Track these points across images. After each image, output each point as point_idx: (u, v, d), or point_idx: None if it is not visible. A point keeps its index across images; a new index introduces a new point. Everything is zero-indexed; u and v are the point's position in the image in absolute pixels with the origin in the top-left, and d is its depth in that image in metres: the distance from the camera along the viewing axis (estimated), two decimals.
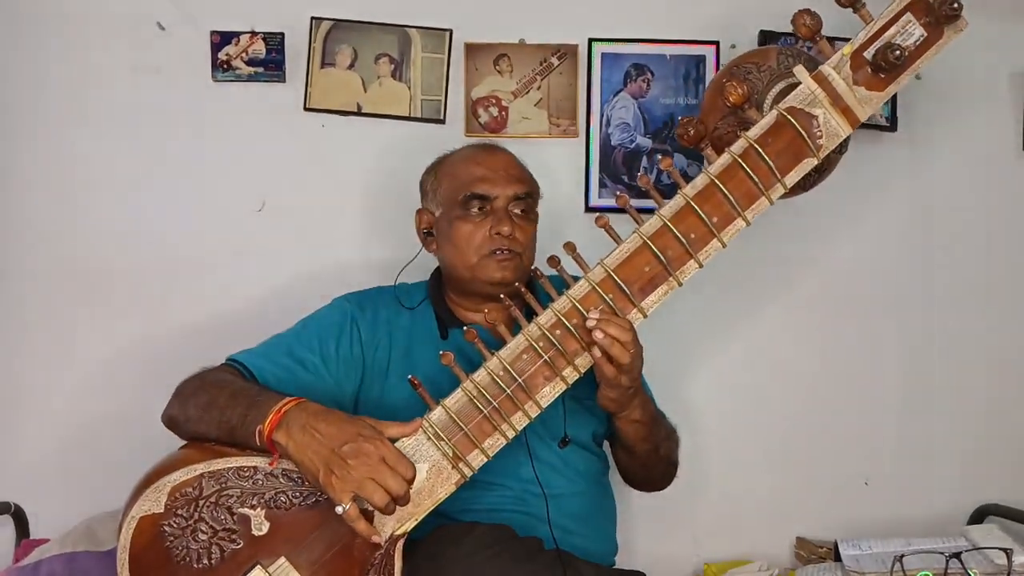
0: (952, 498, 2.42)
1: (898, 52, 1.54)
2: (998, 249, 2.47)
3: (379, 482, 1.54)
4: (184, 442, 1.75)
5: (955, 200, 2.47)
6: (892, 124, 2.42)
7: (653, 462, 1.95)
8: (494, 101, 2.41)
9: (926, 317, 2.47)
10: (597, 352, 1.63)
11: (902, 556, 1.92)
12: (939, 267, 2.47)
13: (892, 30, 1.57)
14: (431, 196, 2.00)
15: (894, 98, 2.39)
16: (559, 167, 2.41)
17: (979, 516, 2.36)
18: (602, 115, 2.42)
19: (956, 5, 1.53)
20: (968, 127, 2.45)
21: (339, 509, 1.55)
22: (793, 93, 1.62)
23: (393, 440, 1.60)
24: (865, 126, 2.38)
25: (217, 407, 1.68)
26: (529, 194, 1.93)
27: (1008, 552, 1.90)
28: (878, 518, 2.39)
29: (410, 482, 1.58)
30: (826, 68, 1.61)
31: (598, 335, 1.61)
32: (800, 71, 1.62)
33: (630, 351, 1.63)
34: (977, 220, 2.47)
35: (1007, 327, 2.48)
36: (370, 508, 1.57)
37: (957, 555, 1.91)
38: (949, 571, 1.89)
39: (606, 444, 2.03)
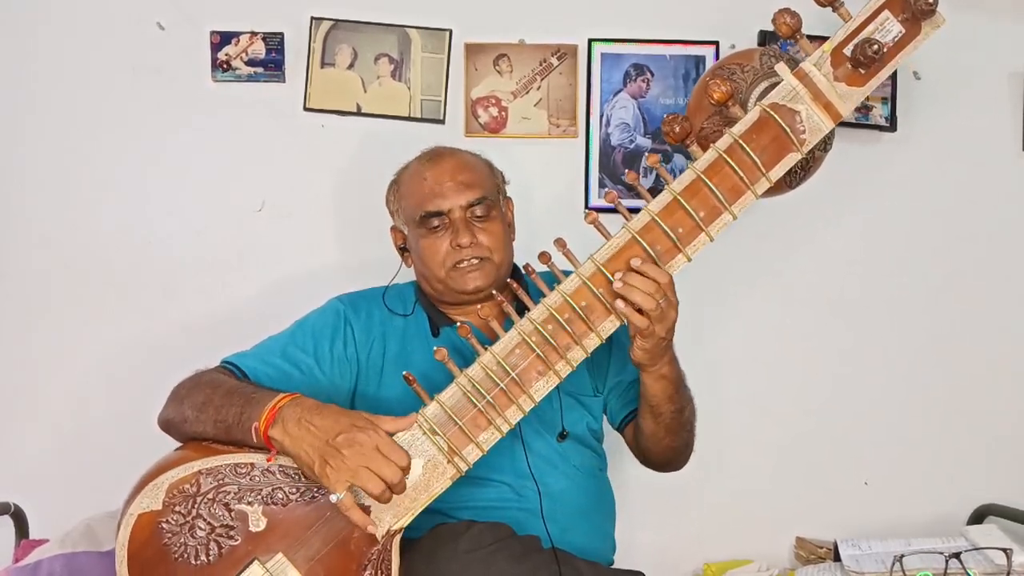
0: (952, 498, 2.41)
1: (875, 47, 1.55)
2: (997, 249, 2.47)
3: (374, 470, 1.55)
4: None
5: (955, 200, 2.47)
6: (892, 124, 2.42)
7: (677, 426, 1.90)
8: (494, 101, 2.42)
9: (926, 317, 2.47)
10: (620, 304, 1.61)
11: (902, 556, 1.92)
12: (939, 267, 2.47)
13: (871, 27, 1.59)
14: (397, 215, 2.00)
15: (894, 98, 2.40)
16: (559, 167, 2.42)
17: (979, 516, 2.36)
18: (602, 115, 2.43)
19: (931, 0, 1.54)
20: (968, 127, 2.45)
21: (333, 498, 1.55)
22: (775, 90, 1.64)
23: (389, 435, 1.61)
24: (865, 126, 2.41)
25: (213, 406, 1.68)
26: (483, 198, 1.90)
27: (1008, 552, 1.90)
28: (878, 518, 2.39)
29: (405, 470, 1.58)
30: (807, 65, 1.62)
31: (617, 285, 1.60)
32: (782, 68, 1.64)
33: (657, 299, 1.60)
34: (977, 220, 2.47)
35: (1006, 327, 2.48)
36: (366, 502, 1.58)
37: (957, 555, 1.91)
38: (949, 571, 1.89)
39: (605, 441, 2.02)
